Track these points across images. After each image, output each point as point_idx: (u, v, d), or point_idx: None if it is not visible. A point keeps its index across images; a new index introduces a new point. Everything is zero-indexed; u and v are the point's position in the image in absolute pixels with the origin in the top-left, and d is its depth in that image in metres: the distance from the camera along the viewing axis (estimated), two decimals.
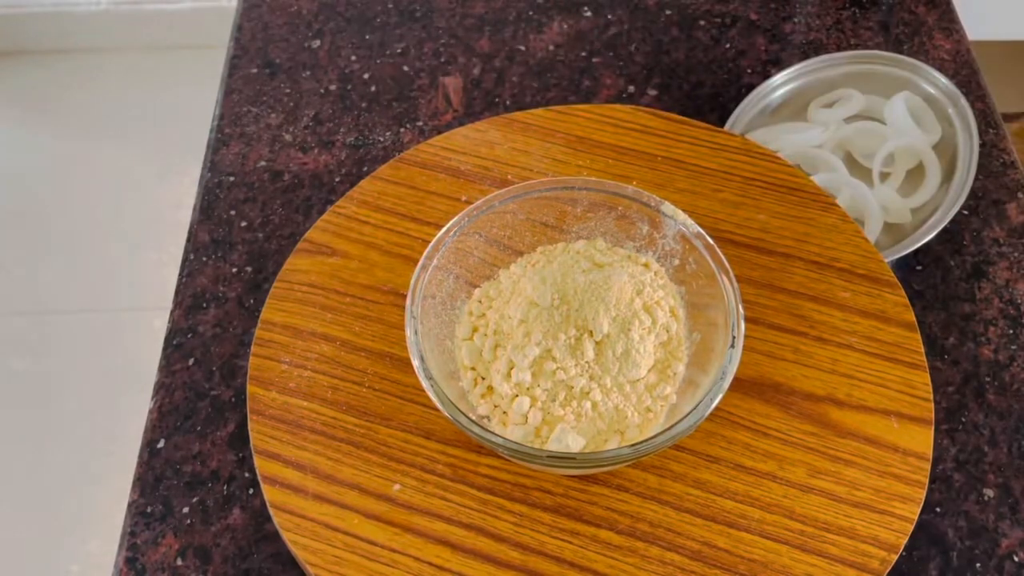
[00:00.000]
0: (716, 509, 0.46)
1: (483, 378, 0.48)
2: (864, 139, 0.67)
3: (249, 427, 0.49)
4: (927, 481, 0.46)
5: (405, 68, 0.74)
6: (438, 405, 0.44)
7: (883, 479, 0.46)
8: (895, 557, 0.44)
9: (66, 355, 1.44)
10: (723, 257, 0.47)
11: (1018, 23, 1.11)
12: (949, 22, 0.76)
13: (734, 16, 0.77)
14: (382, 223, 0.56)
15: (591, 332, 0.46)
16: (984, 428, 0.55)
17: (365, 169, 0.68)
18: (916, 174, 0.66)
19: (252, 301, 0.61)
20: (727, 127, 0.67)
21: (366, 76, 0.74)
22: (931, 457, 0.47)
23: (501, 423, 0.47)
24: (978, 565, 0.51)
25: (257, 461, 0.48)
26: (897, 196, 0.64)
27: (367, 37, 0.76)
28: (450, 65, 0.74)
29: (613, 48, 0.75)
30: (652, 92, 0.72)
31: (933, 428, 0.48)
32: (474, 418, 0.44)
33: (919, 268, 0.62)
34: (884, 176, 0.66)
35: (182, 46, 1.81)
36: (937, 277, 0.61)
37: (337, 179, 0.67)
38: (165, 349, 0.59)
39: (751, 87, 0.70)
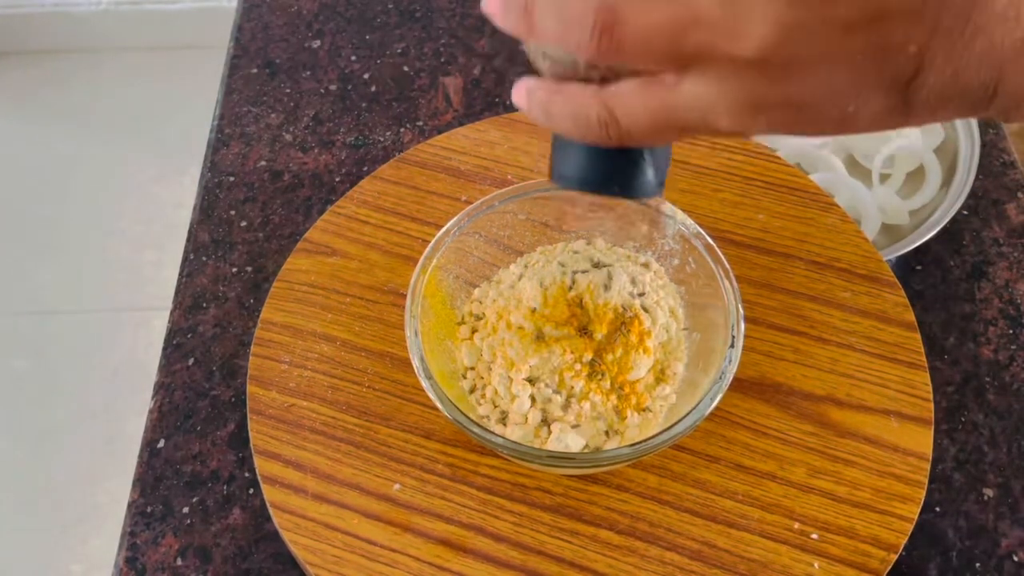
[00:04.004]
0: (716, 509, 0.46)
1: (483, 378, 0.48)
2: (865, 140, 0.67)
3: (249, 427, 0.49)
4: (927, 481, 0.46)
5: (405, 68, 0.74)
6: (438, 405, 0.44)
7: (883, 479, 0.46)
8: (895, 557, 0.44)
9: (66, 355, 1.44)
10: (723, 257, 0.47)
11: None
12: None
13: None
14: (382, 223, 0.56)
15: (591, 333, 0.46)
16: (984, 428, 0.55)
17: (365, 169, 0.68)
18: (916, 176, 0.66)
19: (252, 301, 0.61)
20: None
21: (366, 76, 0.74)
22: (931, 457, 0.47)
23: (501, 423, 0.47)
24: (978, 565, 0.51)
25: (257, 461, 0.48)
26: (896, 198, 0.64)
27: (367, 37, 0.76)
28: (450, 65, 0.74)
29: None
30: None
31: (933, 428, 0.48)
32: (474, 418, 0.44)
33: (919, 268, 0.62)
34: (884, 178, 0.66)
35: (182, 46, 1.81)
36: (937, 277, 0.61)
37: (337, 179, 0.67)
38: (165, 349, 0.59)
39: None
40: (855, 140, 0.67)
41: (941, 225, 0.60)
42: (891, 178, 0.66)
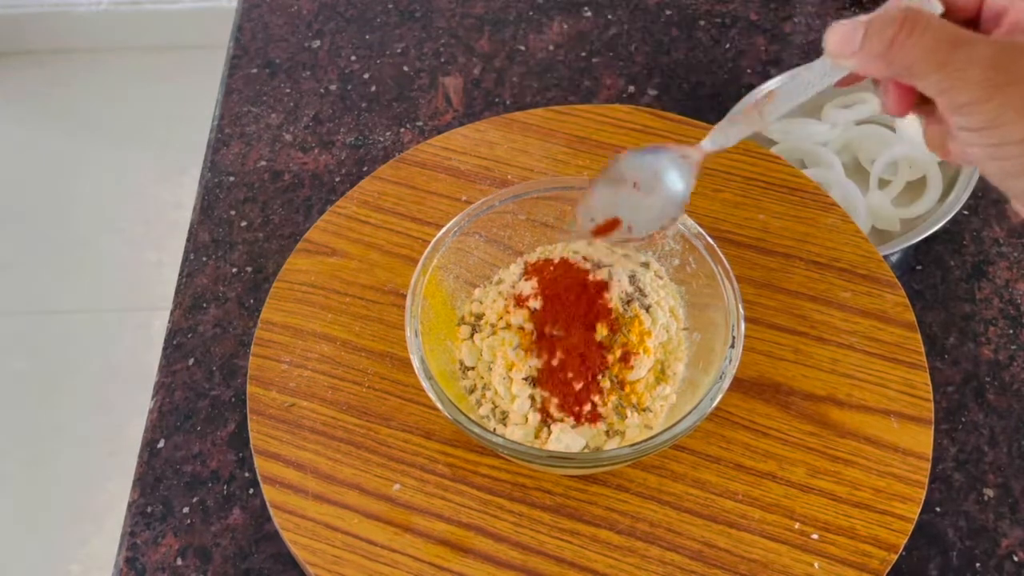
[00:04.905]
0: (716, 509, 0.46)
1: (483, 378, 0.48)
2: (871, 144, 0.66)
3: (249, 427, 0.49)
4: (927, 481, 0.46)
5: (405, 68, 0.74)
6: (438, 405, 0.44)
7: (883, 479, 0.46)
8: (895, 557, 0.44)
9: (66, 355, 1.44)
10: (723, 257, 0.47)
11: None
12: None
13: (734, 16, 0.76)
14: (382, 223, 0.56)
15: (591, 333, 0.46)
16: (984, 428, 0.55)
17: (365, 169, 0.68)
18: (917, 186, 0.65)
19: (252, 301, 0.61)
20: None
21: (366, 76, 0.74)
22: (931, 457, 0.47)
23: (501, 423, 0.47)
24: (978, 565, 0.51)
25: (257, 461, 0.48)
26: (889, 205, 0.63)
27: (367, 37, 0.76)
28: (450, 65, 0.74)
29: (613, 48, 0.75)
30: (652, 92, 0.72)
31: (933, 428, 0.48)
32: (474, 418, 0.44)
33: (919, 268, 0.62)
34: (884, 183, 0.65)
35: (182, 46, 1.81)
36: (937, 277, 0.61)
37: (337, 179, 0.67)
38: (165, 349, 0.59)
39: (751, 87, 0.70)
40: (861, 141, 0.67)
41: (941, 224, 0.60)
42: (890, 185, 0.65)
